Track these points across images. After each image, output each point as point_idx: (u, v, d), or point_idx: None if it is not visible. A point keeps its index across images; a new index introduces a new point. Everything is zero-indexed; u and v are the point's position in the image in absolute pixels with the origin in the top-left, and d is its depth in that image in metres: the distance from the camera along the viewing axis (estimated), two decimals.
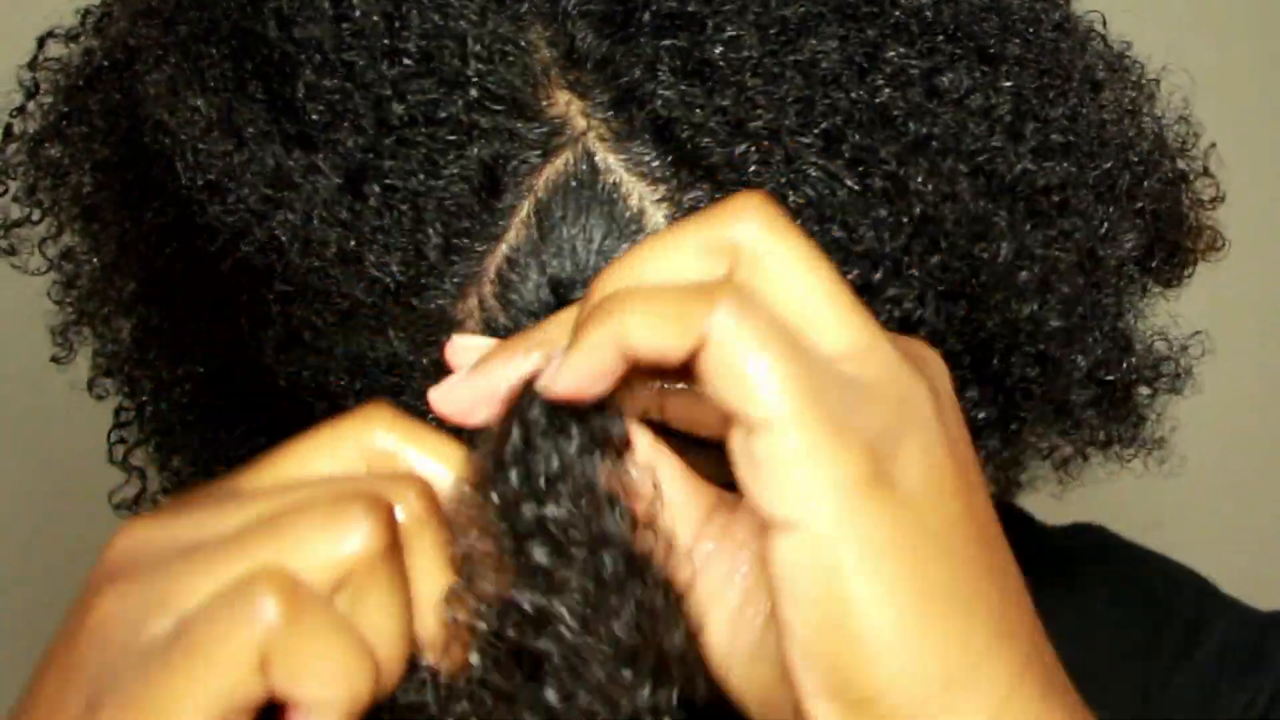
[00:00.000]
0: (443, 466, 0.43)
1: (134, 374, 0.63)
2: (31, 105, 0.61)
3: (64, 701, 0.39)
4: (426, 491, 0.42)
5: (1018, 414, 0.54)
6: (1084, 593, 0.76)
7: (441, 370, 0.45)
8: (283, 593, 0.38)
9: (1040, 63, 0.51)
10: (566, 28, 0.47)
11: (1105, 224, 0.53)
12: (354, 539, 0.39)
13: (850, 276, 0.47)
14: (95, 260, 0.59)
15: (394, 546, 0.40)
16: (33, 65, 0.61)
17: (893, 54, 0.48)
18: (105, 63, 0.57)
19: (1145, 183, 0.55)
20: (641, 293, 0.40)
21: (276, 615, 0.37)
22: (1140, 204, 0.55)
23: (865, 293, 0.47)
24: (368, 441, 0.42)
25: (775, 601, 0.39)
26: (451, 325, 0.48)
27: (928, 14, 0.49)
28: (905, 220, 0.48)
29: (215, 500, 0.41)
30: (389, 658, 0.40)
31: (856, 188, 0.47)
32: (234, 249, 0.49)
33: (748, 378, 0.38)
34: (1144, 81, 0.59)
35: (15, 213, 0.61)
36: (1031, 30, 0.51)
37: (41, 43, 0.62)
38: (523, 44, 0.47)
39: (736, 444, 0.39)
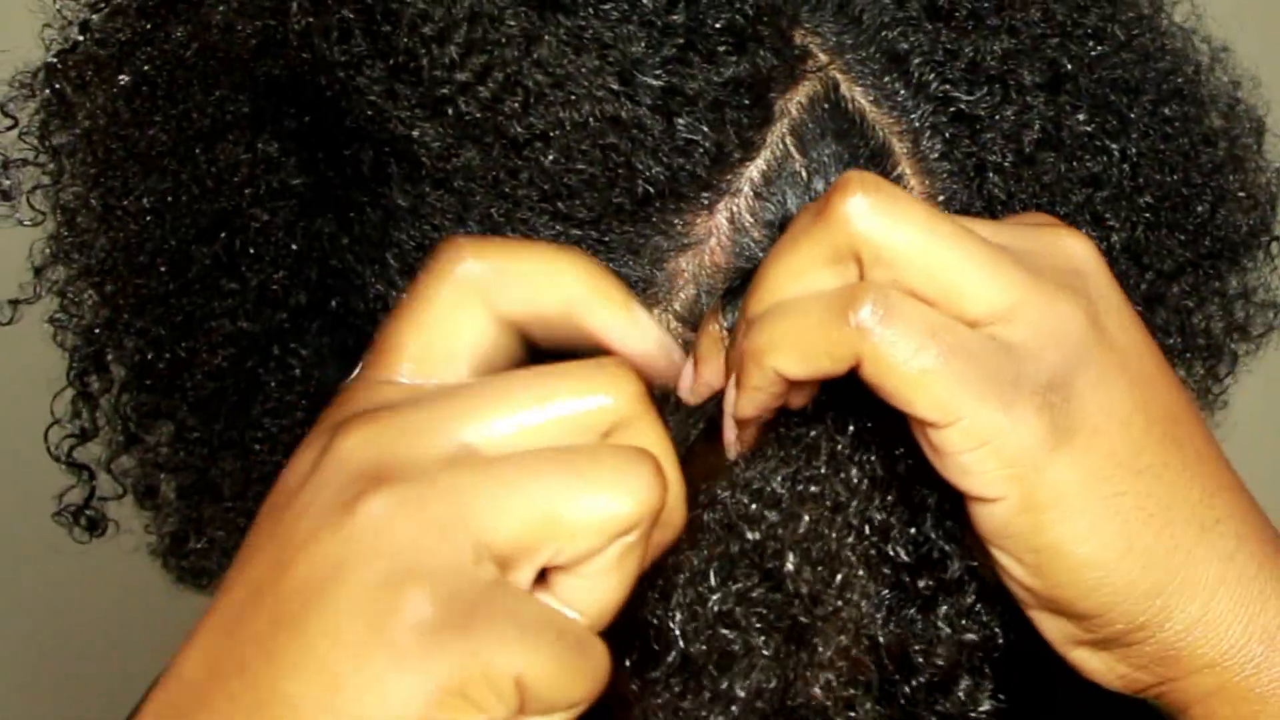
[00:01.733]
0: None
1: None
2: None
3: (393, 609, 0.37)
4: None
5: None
6: None
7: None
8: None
9: None
10: None
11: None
12: (612, 392, 0.40)
13: (1077, 199, 0.51)
14: (126, 206, 0.56)
15: (645, 395, 0.41)
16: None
17: (1101, 11, 0.52)
18: None
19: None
20: (787, 328, 0.43)
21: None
22: None
23: (1090, 218, 0.51)
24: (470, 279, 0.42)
25: (989, 551, 0.45)
26: (684, 248, 0.49)
27: None
28: (1124, 156, 0.51)
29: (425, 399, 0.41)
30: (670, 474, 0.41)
31: (1086, 126, 0.51)
32: (453, 153, 0.48)
33: (908, 387, 0.42)
34: None
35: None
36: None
37: None
38: None
39: (918, 434, 0.44)
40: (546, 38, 0.47)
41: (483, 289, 0.42)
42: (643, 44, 0.47)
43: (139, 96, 0.55)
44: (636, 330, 0.43)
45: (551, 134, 0.47)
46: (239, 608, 0.39)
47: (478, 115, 0.47)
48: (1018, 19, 0.51)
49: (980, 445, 0.42)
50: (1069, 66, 0.51)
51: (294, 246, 0.59)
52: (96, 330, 0.60)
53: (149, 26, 0.54)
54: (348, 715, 0.36)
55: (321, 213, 0.56)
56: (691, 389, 0.48)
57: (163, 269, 0.58)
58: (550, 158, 0.47)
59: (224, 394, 0.61)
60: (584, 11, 0.48)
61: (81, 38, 0.55)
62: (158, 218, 0.57)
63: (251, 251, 0.58)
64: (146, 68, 0.55)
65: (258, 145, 0.57)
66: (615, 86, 0.47)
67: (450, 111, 0.48)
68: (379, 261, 0.53)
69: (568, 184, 0.48)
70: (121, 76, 0.55)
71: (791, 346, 0.43)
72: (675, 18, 0.48)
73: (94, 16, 0.55)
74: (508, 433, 0.40)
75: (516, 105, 0.47)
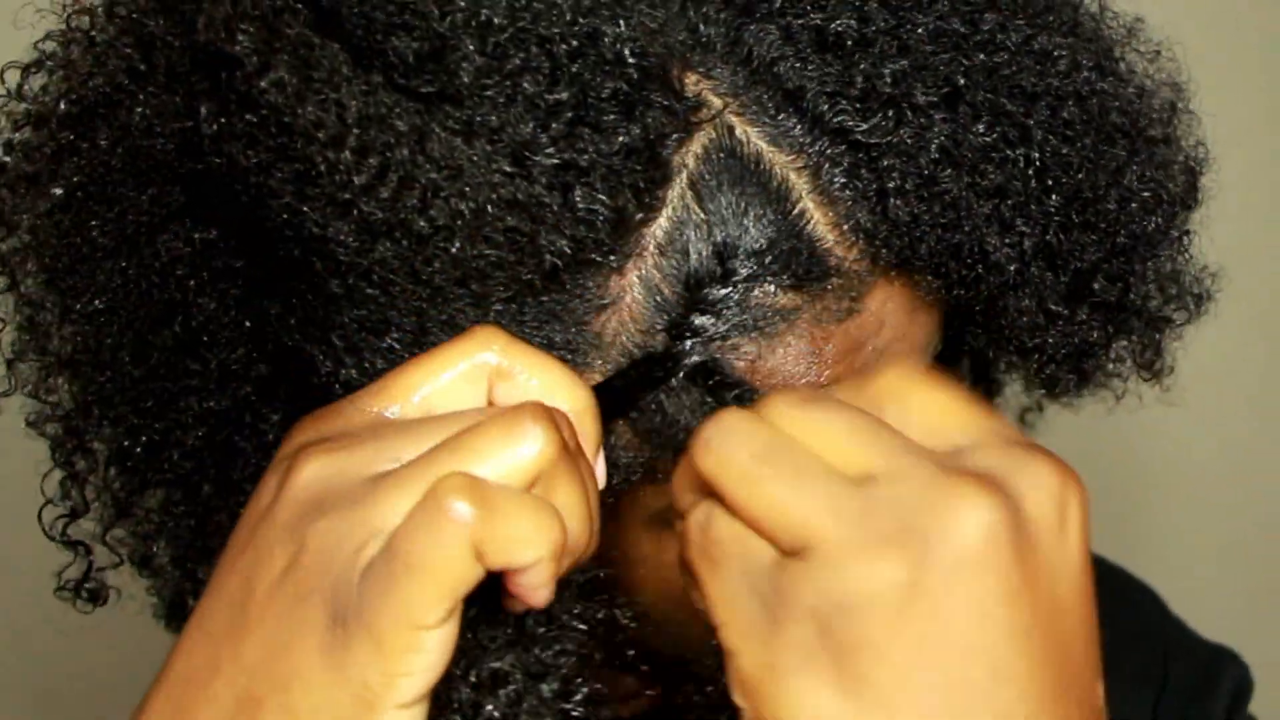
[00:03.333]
0: (555, 388, 0.48)
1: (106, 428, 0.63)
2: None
3: (303, 621, 0.44)
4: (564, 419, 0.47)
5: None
6: None
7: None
8: (470, 491, 0.43)
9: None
10: (694, 14, 0.51)
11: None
12: (532, 444, 0.44)
13: (984, 211, 0.51)
14: (77, 304, 0.59)
15: (567, 448, 0.46)
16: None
17: (995, 19, 0.52)
18: (112, 86, 0.55)
19: None
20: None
21: (470, 513, 0.43)
22: None
23: (1000, 227, 0.51)
24: (483, 360, 0.47)
25: None
26: (602, 308, 0.51)
27: None
28: (1027, 162, 0.51)
29: (373, 429, 0.47)
30: (580, 527, 0.46)
31: (986, 138, 0.51)
32: (367, 250, 0.50)
33: (698, 593, 0.46)
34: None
35: None
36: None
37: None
38: (663, 29, 0.50)
39: None
40: (436, 130, 0.48)
41: (490, 375, 0.48)
42: (531, 124, 0.48)
43: (74, 203, 0.57)
44: None
45: (454, 224, 0.48)
46: (214, 614, 0.46)
47: (380, 215, 0.48)
48: (909, 38, 0.51)
49: (729, 654, 0.45)
50: (963, 81, 0.51)
51: (247, 324, 0.61)
52: (73, 418, 0.63)
53: (72, 137, 0.56)
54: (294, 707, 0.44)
55: (266, 295, 0.58)
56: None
57: (126, 360, 0.60)
58: (456, 246, 0.49)
59: (204, 466, 0.64)
60: (470, 100, 0.48)
61: (8, 158, 0.57)
62: (112, 314, 0.59)
63: (207, 335, 0.60)
64: (77, 177, 0.56)
65: (195, 235, 0.59)
66: (509, 169, 0.48)
67: (355, 212, 0.49)
68: (325, 342, 0.55)
69: (478, 268, 0.49)
70: (55, 189, 0.56)
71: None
72: (560, 94, 0.48)
73: (15, 135, 0.57)
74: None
75: (415, 201, 0.48)
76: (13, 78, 0.60)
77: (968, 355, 0.71)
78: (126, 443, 0.62)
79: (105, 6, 0.57)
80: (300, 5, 0.50)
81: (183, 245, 0.59)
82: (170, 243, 0.59)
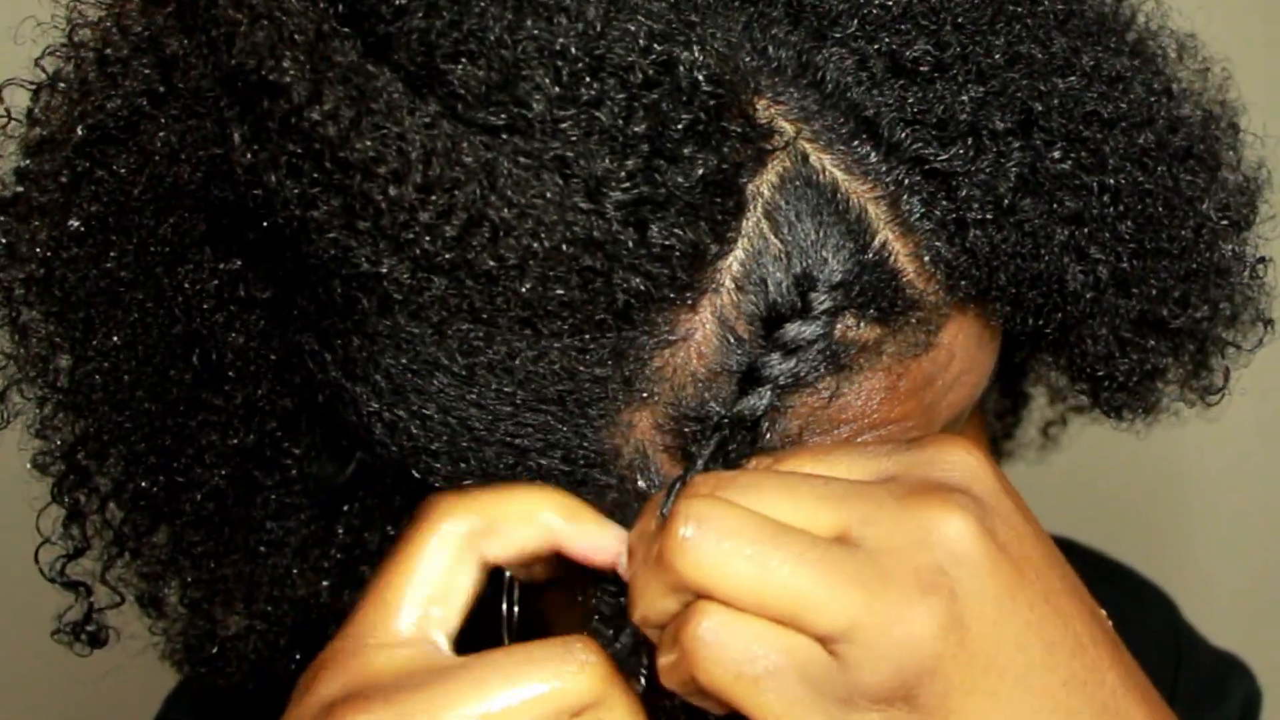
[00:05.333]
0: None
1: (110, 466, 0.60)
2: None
3: None
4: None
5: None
6: None
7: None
8: None
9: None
10: (762, 36, 0.49)
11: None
12: (579, 676, 0.46)
13: (1061, 239, 0.50)
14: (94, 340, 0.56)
15: (612, 673, 0.47)
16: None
17: (1067, 43, 0.51)
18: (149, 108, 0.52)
19: None
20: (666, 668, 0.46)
21: None
22: None
23: (1077, 255, 0.50)
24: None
25: None
26: (669, 344, 0.49)
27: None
28: (1103, 189, 0.50)
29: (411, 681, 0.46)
30: None
31: (1063, 164, 0.49)
32: (423, 288, 0.48)
33: (749, 713, 0.44)
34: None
35: None
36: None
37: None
38: (733, 52, 0.48)
39: None
40: (505, 164, 0.45)
41: (474, 542, 0.48)
42: (606, 159, 0.46)
43: (91, 235, 0.53)
44: (607, 542, 0.49)
45: (525, 264, 0.46)
46: None
47: (446, 254, 0.46)
48: (984, 64, 0.49)
49: None
50: (1039, 106, 0.49)
51: (272, 358, 0.58)
52: (78, 453, 0.59)
53: (88, 165, 0.52)
54: None
55: (299, 330, 0.55)
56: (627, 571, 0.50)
57: (143, 397, 0.57)
58: (526, 286, 0.46)
59: (224, 504, 0.60)
60: (542, 132, 0.46)
61: (21, 188, 0.53)
62: (130, 350, 0.56)
63: (230, 370, 0.57)
64: (94, 206, 0.53)
65: (219, 265, 0.56)
66: (584, 206, 0.46)
67: (417, 250, 0.46)
68: (367, 381, 0.52)
69: (547, 308, 0.47)
70: (71, 220, 0.53)
71: (671, 676, 0.46)
72: (637, 127, 0.46)
73: (28, 162, 0.53)
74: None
75: (484, 240, 0.45)
76: (12, 95, 0.56)
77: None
78: (144, 482, 0.59)
79: (116, 22, 0.54)
80: (348, 30, 0.47)
81: (205, 276, 0.56)
82: (192, 274, 0.55)
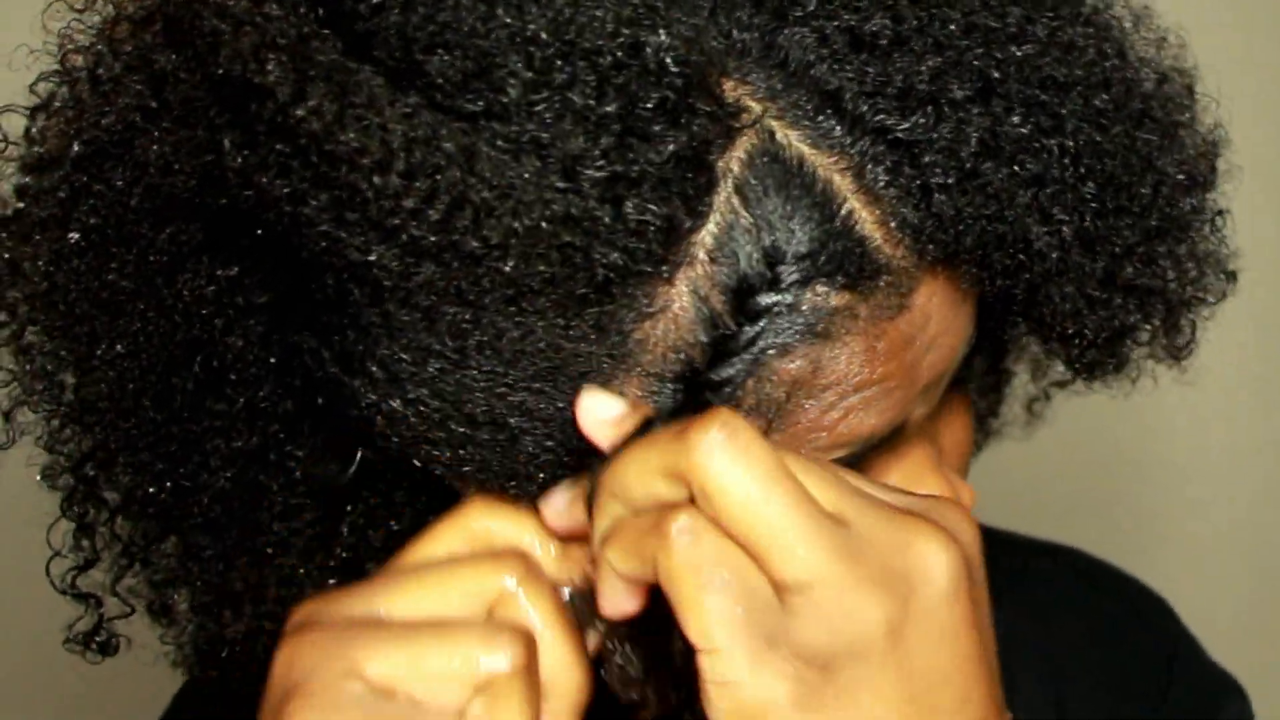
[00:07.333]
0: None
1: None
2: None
3: None
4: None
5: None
6: (1059, 623, 0.80)
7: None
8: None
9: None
10: (726, 20, 0.51)
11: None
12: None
13: (1024, 201, 0.52)
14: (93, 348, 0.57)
15: (529, 572, 0.53)
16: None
17: (1021, 13, 0.53)
18: (143, 114, 0.54)
19: None
20: (617, 523, 0.49)
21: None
22: None
23: (1040, 216, 0.52)
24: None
25: None
26: (648, 316, 0.51)
27: None
28: (1063, 151, 0.52)
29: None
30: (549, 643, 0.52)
31: (1022, 129, 0.51)
32: (412, 273, 0.49)
33: (685, 606, 0.46)
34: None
35: None
36: None
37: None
38: (699, 36, 0.50)
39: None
40: (484, 149, 0.47)
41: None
42: (580, 138, 0.48)
43: (91, 248, 0.55)
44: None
45: (508, 243, 0.48)
46: None
47: (431, 238, 0.48)
48: (941, 34, 0.51)
49: (721, 684, 0.46)
50: (997, 74, 0.51)
51: (273, 360, 0.59)
52: (86, 465, 0.61)
53: (85, 179, 0.54)
54: None
55: (297, 329, 0.56)
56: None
57: (148, 405, 0.59)
58: (510, 265, 0.48)
59: (231, 509, 0.62)
60: (518, 116, 0.48)
61: (21, 204, 0.55)
62: (134, 359, 0.57)
63: (232, 374, 0.59)
64: (93, 219, 0.55)
65: (217, 272, 0.57)
66: (561, 185, 0.48)
67: (404, 236, 0.48)
68: (365, 374, 0.54)
69: (530, 285, 0.49)
70: (71, 233, 0.55)
71: (617, 543, 0.49)
72: (608, 108, 0.48)
73: (27, 179, 0.55)
74: (408, 606, 0.52)
75: (468, 222, 0.47)
76: (9, 122, 0.58)
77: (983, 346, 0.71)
78: (151, 489, 0.60)
79: (107, 43, 0.56)
80: (328, 31, 0.49)
81: (204, 283, 0.58)
82: (191, 281, 0.57)
